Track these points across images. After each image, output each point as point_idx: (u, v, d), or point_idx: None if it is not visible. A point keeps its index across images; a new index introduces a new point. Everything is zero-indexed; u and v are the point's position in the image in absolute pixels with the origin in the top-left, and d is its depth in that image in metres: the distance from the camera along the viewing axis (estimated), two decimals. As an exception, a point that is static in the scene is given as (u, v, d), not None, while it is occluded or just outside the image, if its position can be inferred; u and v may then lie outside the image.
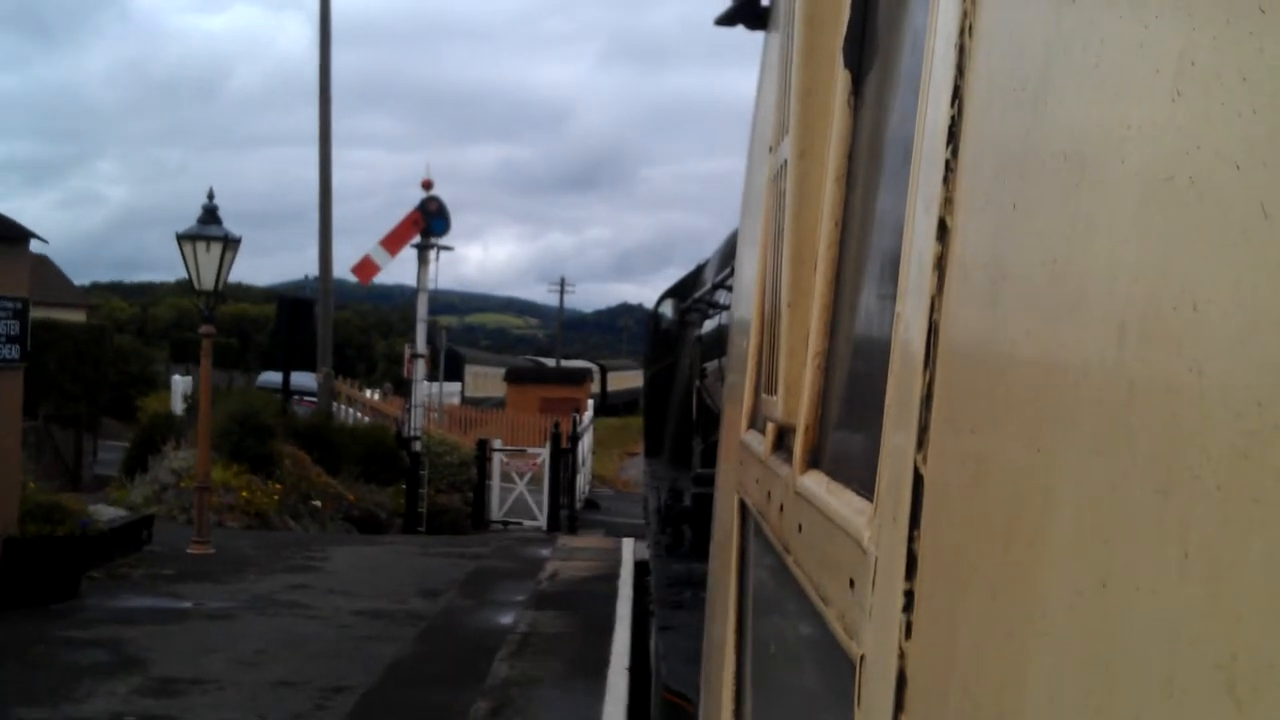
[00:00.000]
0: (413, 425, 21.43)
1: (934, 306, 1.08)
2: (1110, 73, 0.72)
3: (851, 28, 1.80)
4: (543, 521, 21.75)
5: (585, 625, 11.30)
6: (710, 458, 6.95)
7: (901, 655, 1.06)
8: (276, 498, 18.61)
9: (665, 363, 14.61)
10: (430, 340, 34.89)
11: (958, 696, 0.91)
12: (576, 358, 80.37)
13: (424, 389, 22.49)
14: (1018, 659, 0.79)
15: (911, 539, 1.07)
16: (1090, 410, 0.70)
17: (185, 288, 15.89)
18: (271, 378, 43.50)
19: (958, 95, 1.08)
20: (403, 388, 32.95)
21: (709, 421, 8.86)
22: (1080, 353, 0.73)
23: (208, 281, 14.77)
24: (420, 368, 21.76)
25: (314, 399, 26.53)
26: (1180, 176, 0.60)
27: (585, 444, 27.31)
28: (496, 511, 22.48)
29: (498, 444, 23.72)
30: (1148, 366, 0.63)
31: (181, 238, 14.67)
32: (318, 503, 19.58)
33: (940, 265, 1.08)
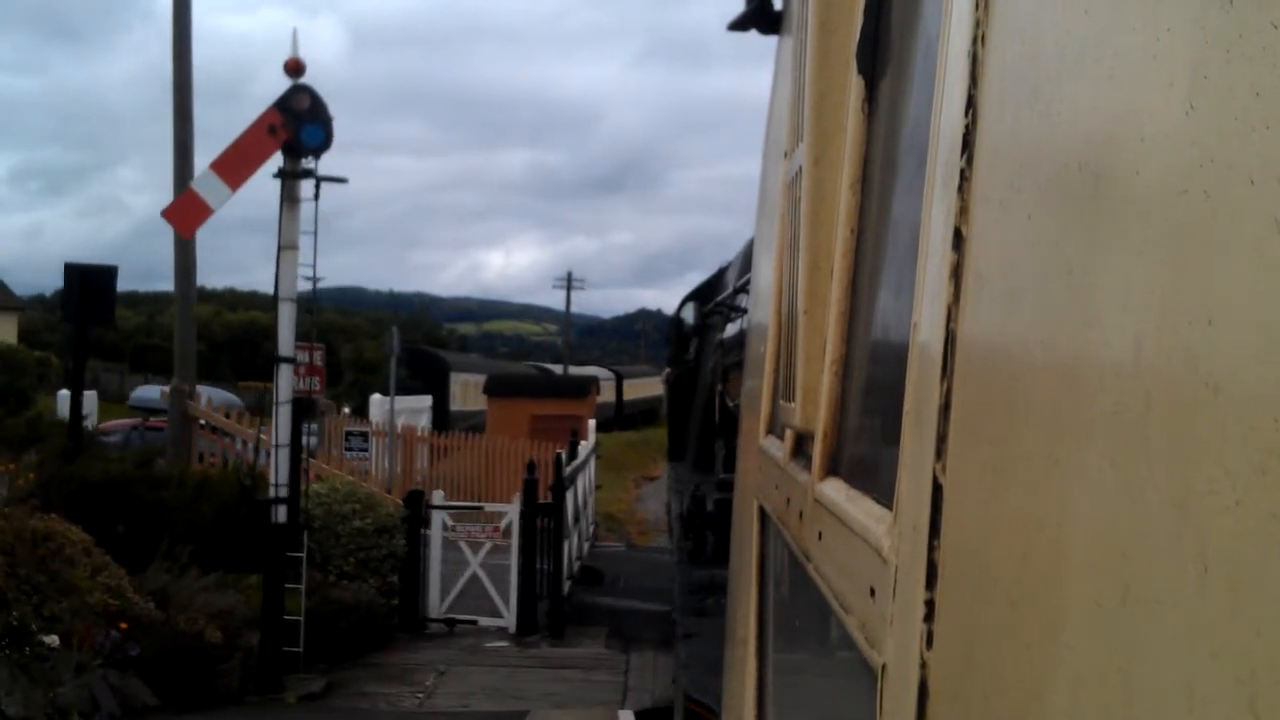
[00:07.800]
0: (274, 478, 11.25)
1: (951, 315, 1.08)
2: (1124, 85, 0.72)
3: (865, 34, 1.80)
4: (509, 619, 13.76)
5: None
6: (733, 462, 6.94)
7: (923, 665, 1.06)
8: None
9: (688, 366, 14.62)
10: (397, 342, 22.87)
11: (979, 707, 0.91)
12: (592, 363, 77.22)
13: (291, 415, 11.32)
14: (1038, 670, 0.79)
15: (931, 548, 1.07)
16: (1107, 422, 0.70)
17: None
18: (146, 393, 33.08)
19: (972, 103, 1.08)
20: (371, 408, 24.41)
21: (731, 425, 8.86)
22: (1097, 364, 0.73)
23: None
24: (285, 379, 11.27)
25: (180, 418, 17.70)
26: (1195, 190, 0.60)
27: (584, 482, 18.18)
28: (437, 606, 13.95)
29: (438, 498, 14.72)
30: (1164, 379, 0.63)
31: None
32: (54, 639, 9.19)
33: (956, 273, 1.08)
